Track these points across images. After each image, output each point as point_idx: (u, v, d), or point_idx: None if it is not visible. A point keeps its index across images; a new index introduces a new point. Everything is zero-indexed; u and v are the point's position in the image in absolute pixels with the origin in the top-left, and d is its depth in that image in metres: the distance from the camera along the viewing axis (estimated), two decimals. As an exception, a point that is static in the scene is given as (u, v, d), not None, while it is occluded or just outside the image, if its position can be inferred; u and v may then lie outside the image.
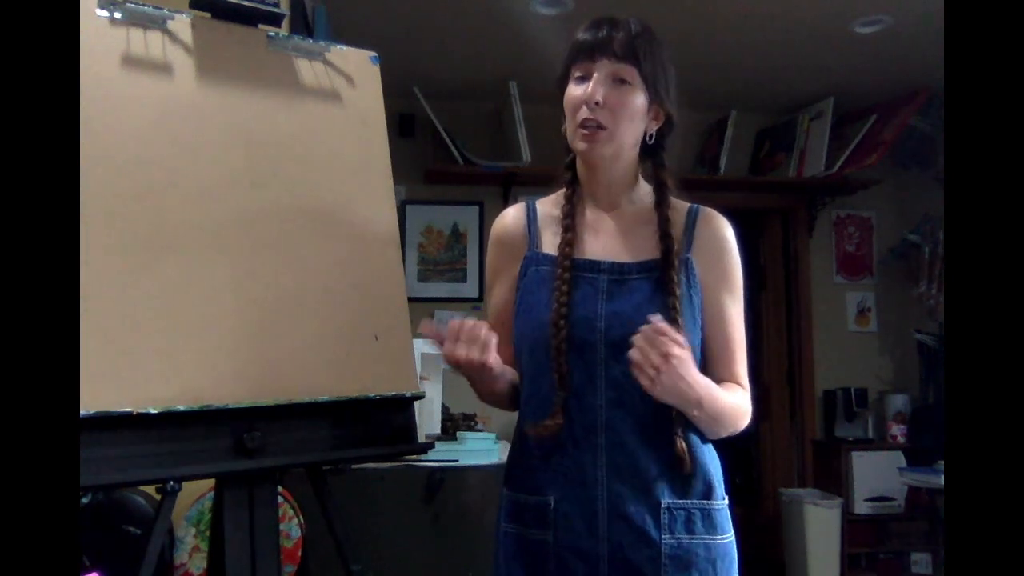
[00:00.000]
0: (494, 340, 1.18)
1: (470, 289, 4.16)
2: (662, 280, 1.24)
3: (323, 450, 1.36)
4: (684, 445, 1.21)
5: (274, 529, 1.35)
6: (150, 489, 1.66)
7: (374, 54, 1.58)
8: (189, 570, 1.82)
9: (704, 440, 1.26)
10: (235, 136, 1.37)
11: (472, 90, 4.05)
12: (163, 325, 1.24)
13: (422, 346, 2.08)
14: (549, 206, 1.36)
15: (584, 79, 1.25)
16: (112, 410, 1.15)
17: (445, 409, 2.51)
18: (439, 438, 2.32)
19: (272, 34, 1.46)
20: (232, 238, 1.33)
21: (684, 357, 1.12)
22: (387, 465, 2.15)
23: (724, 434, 1.26)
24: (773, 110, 4.40)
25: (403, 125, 4.08)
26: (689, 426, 1.22)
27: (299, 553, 1.90)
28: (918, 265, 4.27)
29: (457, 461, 2.23)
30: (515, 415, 1.34)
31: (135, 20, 1.31)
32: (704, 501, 1.23)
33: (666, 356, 1.10)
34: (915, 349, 4.34)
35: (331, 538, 1.37)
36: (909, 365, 4.42)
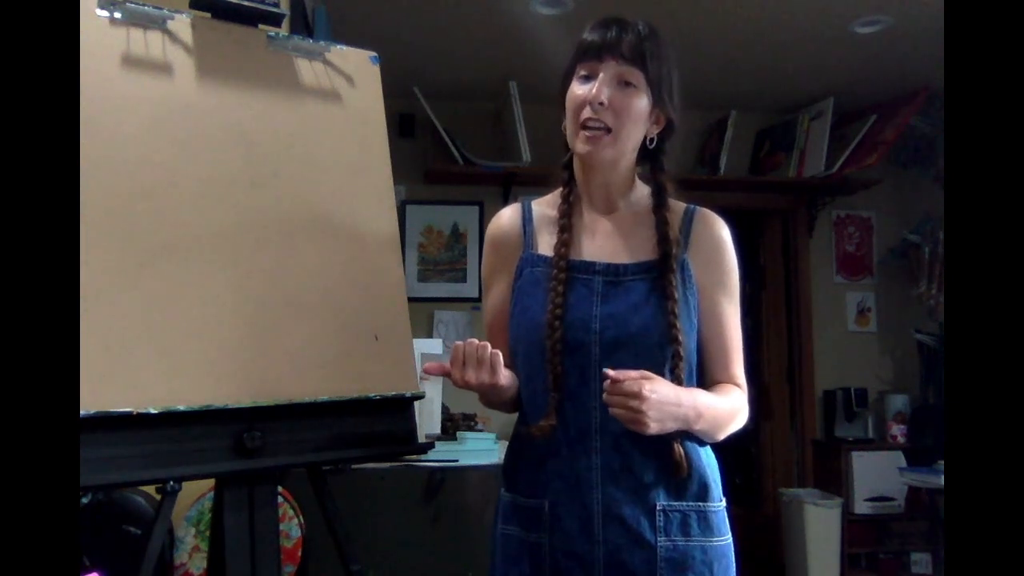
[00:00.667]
0: (500, 358, 1.17)
1: (470, 289, 4.15)
2: (658, 282, 1.24)
3: (323, 450, 1.36)
4: (681, 450, 1.21)
5: (274, 529, 1.35)
6: (150, 489, 1.66)
7: (374, 54, 1.57)
8: (189, 570, 1.82)
9: (702, 443, 1.26)
10: (235, 136, 1.37)
11: (472, 90, 4.06)
12: (163, 325, 1.24)
13: (422, 346, 2.08)
14: (545, 207, 1.35)
15: (589, 78, 1.24)
16: (112, 410, 1.15)
17: (445, 409, 2.51)
18: (439, 438, 2.33)
19: (272, 34, 1.46)
20: (232, 238, 1.33)
21: (655, 386, 1.11)
22: (387, 465, 2.15)
23: (720, 437, 1.26)
24: (773, 110, 4.40)
25: (403, 125, 4.08)
26: (684, 434, 1.22)
27: (299, 553, 1.90)
28: (918, 265, 4.27)
29: (457, 461, 2.23)
30: (515, 415, 1.34)
31: (135, 20, 1.31)
32: (700, 503, 1.23)
33: (638, 395, 1.09)
34: (915, 349, 4.34)
35: (331, 538, 1.37)
36: (909, 365, 4.42)
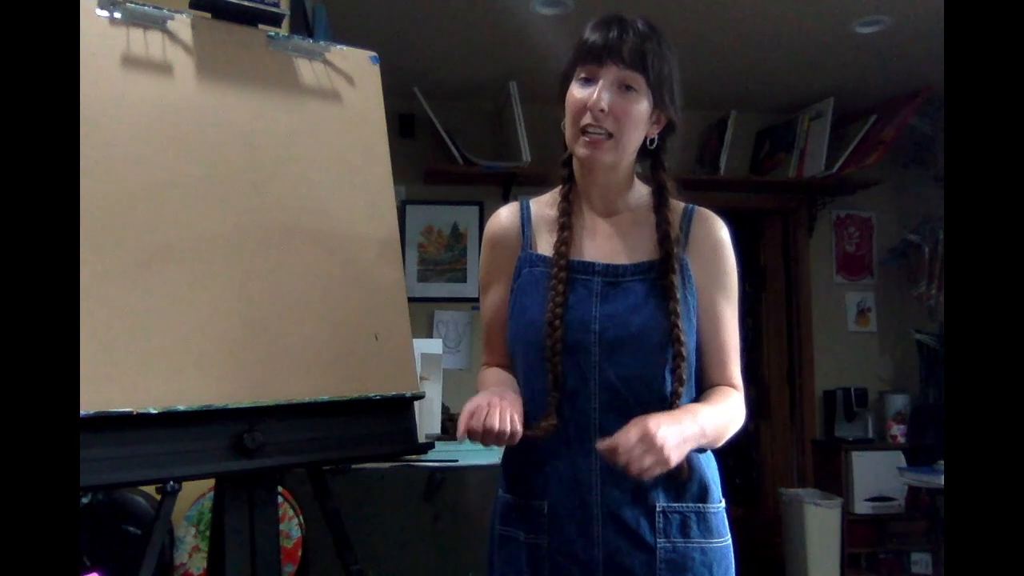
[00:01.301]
0: (518, 412, 1.16)
1: (470, 289, 4.15)
2: (659, 282, 1.23)
3: (323, 450, 1.36)
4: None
5: (274, 529, 1.35)
6: (150, 489, 1.66)
7: (374, 54, 1.58)
8: (189, 570, 1.82)
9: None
10: (235, 136, 1.37)
11: (472, 90, 4.05)
12: (163, 325, 1.24)
13: (422, 346, 2.08)
14: (543, 206, 1.35)
15: (589, 81, 1.22)
16: (112, 410, 1.15)
17: (445, 409, 2.51)
18: (439, 438, 2.33)
19: (272, 34, 1.46)
20: (232, 238, 1.33)
21: (654, 425, 1.08)
22: (387, 465, 2.15)
23: (722, 442, 1.25)
24: (773, 110, 4.40)
25: (403, 125, 4.08)
26: None
27: (299, 553, 1.90)
28: (918, 265, 4.27)
29: (457, 461, 2.23)
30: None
31: (135, 20, 1.31)
32: (700, 504, 1.23)
33: (644, 439, 1.07)
34: (915, 349, 4.34)
35: (331, 538, 1.37)
36: (909, 365, 4.42)
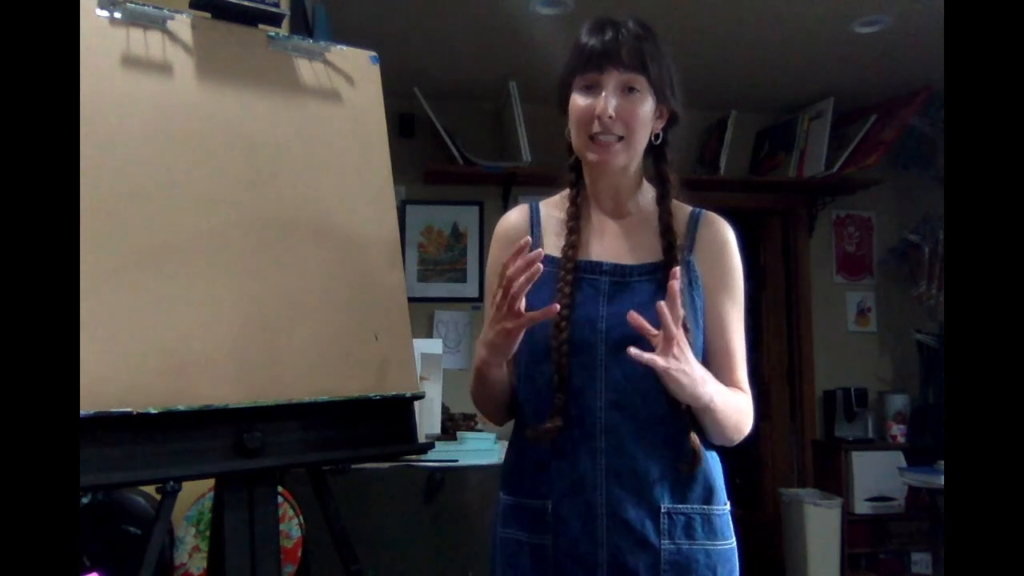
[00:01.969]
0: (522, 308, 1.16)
1: (470, 289, 4.15)
2: (665, 282, 1.23)
3: (323, 450, 1.36)
4: (696, 439, 1.21)
5: (274, 529, 1.34)
6: (150, 489, 1.66)
7: (374, 54, 1.58)
8: (189, 570, 1.82)
9: (708, 446, 1.25)
10: (235, 136, 1.37)
11: (472, 90, 4.05)
12: (163, 325, 1.24)
13: (422, 346, 2.08)
14: (552, 208, 1.35)
15: (591, 89, 1.23)
16: (112, 410, 1.15)
17: (445, 409, 2.51)
18: (439, 438, 2.33)
19: (272, 34, 1.46)
20: (232, 238, 1.33)
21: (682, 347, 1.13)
22: (387, 465, 2.15)
23: (730, 436, 1.25)
24: (773, 110, 4.40)
25: (403, 125, 4.08)
26: (696, 427, 1.22)
27: (299, 553, 1.90)
28: (918, 265, 4.27)
29: (457, 461, 2.24)
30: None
31: (135, 20, 1.31)
32: (705, 506, 1.23)
33: (677, 342, 1.11)
34: (915, 349, 4.34)
35: (331, 538, 1.37)
36: (909, 365, 4.42)
